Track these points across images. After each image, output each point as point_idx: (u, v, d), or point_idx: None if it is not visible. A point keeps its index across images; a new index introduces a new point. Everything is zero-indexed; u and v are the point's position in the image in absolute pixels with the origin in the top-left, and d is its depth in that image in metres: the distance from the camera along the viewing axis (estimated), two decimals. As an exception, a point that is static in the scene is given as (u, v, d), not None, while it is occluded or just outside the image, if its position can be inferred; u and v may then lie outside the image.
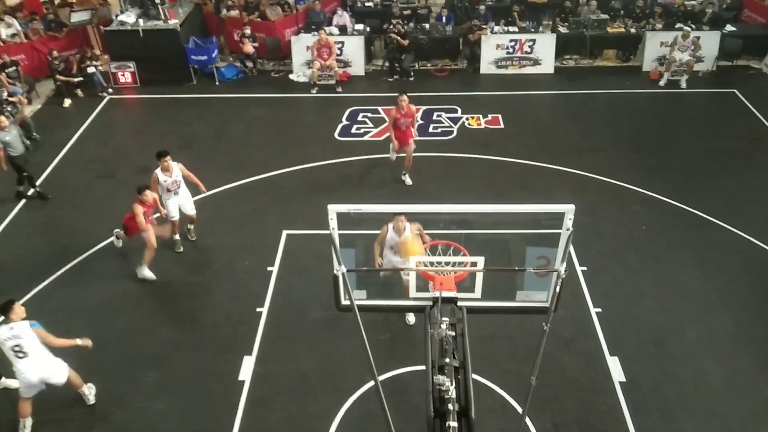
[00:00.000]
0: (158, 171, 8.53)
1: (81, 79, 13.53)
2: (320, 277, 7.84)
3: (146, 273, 8.52)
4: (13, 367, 6.27)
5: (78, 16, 14.72)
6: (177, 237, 9.15)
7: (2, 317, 6.27)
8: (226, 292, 8.38)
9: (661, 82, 13.69)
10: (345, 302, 5.27)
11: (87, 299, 8.30)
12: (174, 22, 13.91)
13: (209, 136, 12.03)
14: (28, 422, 6.48)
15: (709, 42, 13.99)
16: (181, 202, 8.89)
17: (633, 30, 14.63)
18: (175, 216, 8.90)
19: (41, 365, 6.29)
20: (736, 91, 13.33)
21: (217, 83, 14.12)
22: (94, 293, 8.37)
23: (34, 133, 11.86)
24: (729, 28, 14.36)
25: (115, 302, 8.25)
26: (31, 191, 10.26)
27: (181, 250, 9.07)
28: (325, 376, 7.18)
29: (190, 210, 9.02)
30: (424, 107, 12.80)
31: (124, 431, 6.64)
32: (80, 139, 12.11)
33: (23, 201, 10.20)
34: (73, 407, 6.83)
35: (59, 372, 6.47)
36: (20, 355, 6.17)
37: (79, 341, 6.57)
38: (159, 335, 7.78)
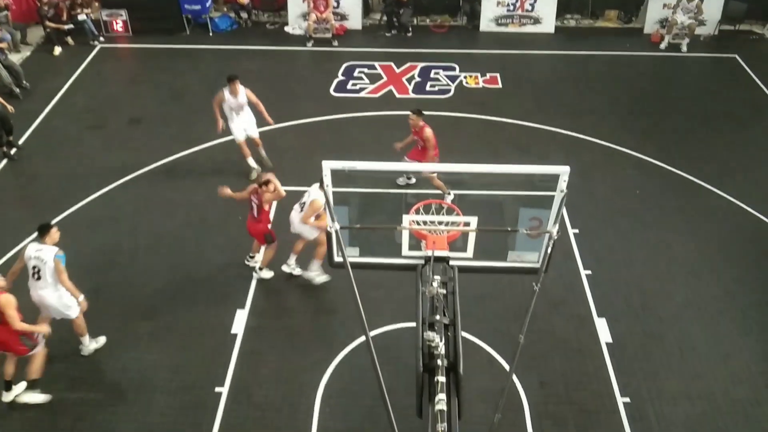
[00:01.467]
0: (225, 90, 8.97)
1: (71, 26, 13.20)
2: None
3: (265, 274, 7.95)
4: (28, 282, 6.46)
5: (68, -39, 14.26)
6: (252, 163, 9.49)
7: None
8: (219, 246, 8.39)
9: (662, 45, 13.51)
10: (338, 259, 5.29)
11: (79, 251, 8.26)
12: (167, -31, 13.52)
13: (201, 89, 11.80)
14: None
15: (713, 5, 13.74)
16: (246, 125, 9.31)
17: (636, -10, 14.35)
18: (240, 137, 9.32)
19: (50, 294, 6.46)
20: (737, 56, 13.17)
21: (210, 34, 13.82)
22: (87, 245, 8.36)
23: (24, 81, 11.64)
24: (733, -9, 14.10)
25: (108, 254, 8.26)
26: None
27: (255, 177, 9.24)
28: (316, 331, 7.27)
29: (254, 132, 9.45)
30: (422, 64, 12.61)
31: (117, 381, 6.73)
32: (71, 89, 11.89)
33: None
34: (67, 357, 6.90)
35: (72, 308, 6.60)
36: (36, 276, 6.42)
37: (81, 298, 6.62)
38: (152, 287, 7.81)
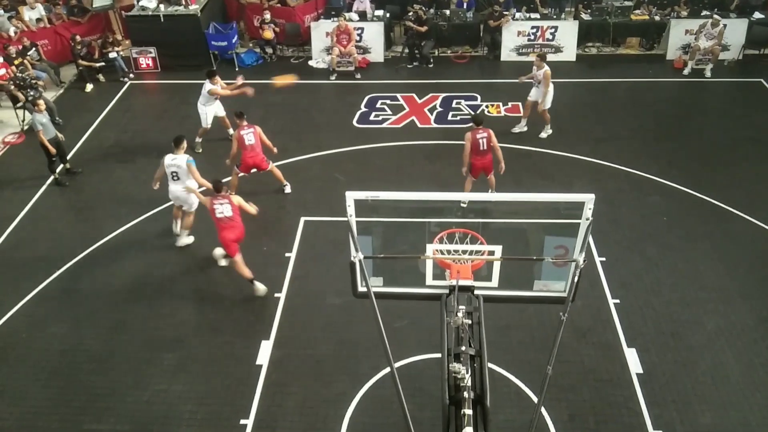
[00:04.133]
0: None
1: (103, 64, 13.66)
2: (337, 264, 7.90)
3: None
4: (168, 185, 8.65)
5: (100, 1, 14.81)
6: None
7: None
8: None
9: (685, 71, 13.44)
10: (362, 289, 5.29)
11: (107, 282, 8.43)
12: (194, 8, 13.95)
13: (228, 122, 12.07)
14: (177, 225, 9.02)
15: (736, 30, 13.67)
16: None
17: (657, 17, 14.36)
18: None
19: (181, 191, 8.67)
20: (762, 80, 13.04)
21: (236, 69, 14.14)
22: (115, 276, 8.50)
23: (57, 118, 12.01)
24: (757, 15, 14.02)
25: (136, 285, 8.38)
26: (59, 168, 10.52)
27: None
28: (340, 362, 7.23)
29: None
30: (444, 94, 12.72)
31: (142, 412, 6.76)
32: (101, 124, 12.24)
33: (46, 185, 10.36)
34: (91, 388, 6.97)
35: (192, 203, 8.79)
36: (174, 178, 8.61)
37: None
38: (178, 318, 7.89)
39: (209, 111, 10.98)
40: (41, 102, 10.10)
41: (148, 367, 7.23)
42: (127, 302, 8.09)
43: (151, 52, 14.05)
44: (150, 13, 13.82)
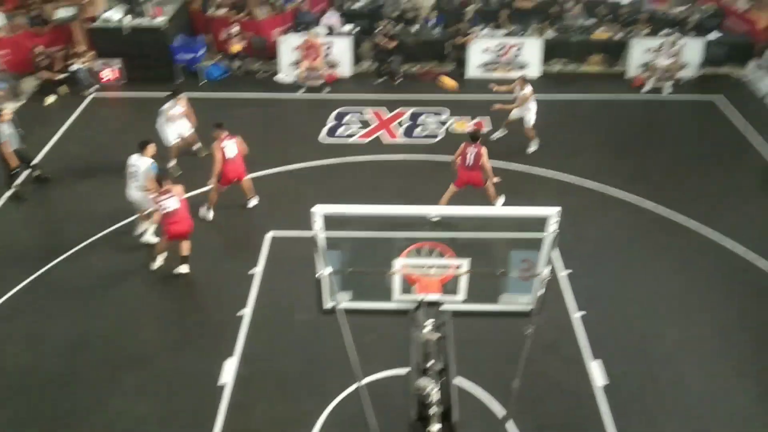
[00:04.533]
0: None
1: (65, 75, 13.37)
2: (304, 279, 7.77)
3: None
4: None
5: (62, 12, 14.55)
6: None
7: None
8: (208, 294, 8.33)
9: (645, 89, 13.81)
10: (329, 304, 5.25)
11: (67, 300, 8.20)
12: (160, 20, 13.82)
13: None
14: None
15: (694, 49, 14.14)
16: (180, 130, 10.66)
17: (618, 36, 14.76)
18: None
19: (135, 192, 8.74)
20: (718, 98, 13.47)
21: (202, 82, 14.02)
22: (74, 294, 8.28)
23: (18, 128, 11.68)
24: (713, 35, 14.52)
25: (97, 303, 8.17)
26: (24, 176, 10.35)
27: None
28: (307, 380, 7.15)
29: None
30: (412, 109, 12.81)
31: (104, 433, 6.56)
32: (63, 137, 11.98)
33: (4, 198, 10.06)
34: (50, 409, 6.74)
35: (148, 205, 8.69)
36: (132, 179, 8.70)
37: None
38: (140, 337, 7.70)
39: (170, 129, 10.61)
40: (7, 111, 9.79)
41: (109, 387, 7.03)
42: (87, 320, 7.88)
43: (116, 64, 13.84)
44: (115, 25, 13.62)
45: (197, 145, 11.04)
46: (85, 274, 8.60)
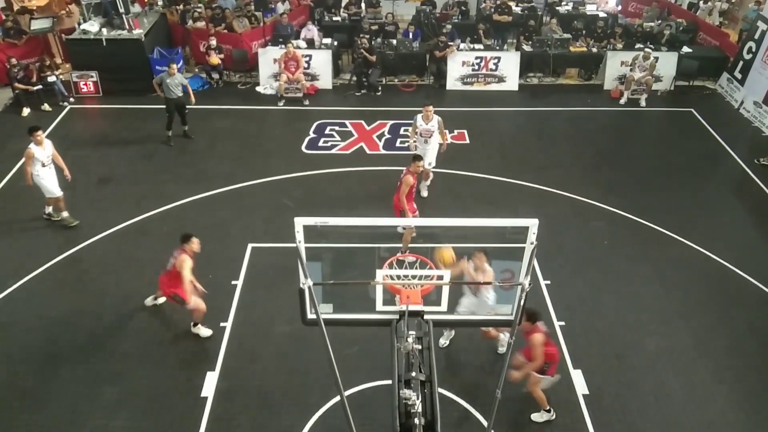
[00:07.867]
0: (32, 145, 9.07)
1: (40, 87, 13.19)
2: (285, 291, 7.79)
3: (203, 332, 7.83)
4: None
5: (38, 24, 14.39)
6: (65, 213, 9.63)
7: None
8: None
9: (622, 101, 14.07)
10: (311, 316, 5.22)
11: (42, 315, 8.03)
12: (138, 32, 13.74)
13: (171, 149, 11.85)
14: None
15: (667, 63, 14.46)
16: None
17: (594, 49, 15.03)
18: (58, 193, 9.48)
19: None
20: (692, 110, 13.78)
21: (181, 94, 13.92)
22: (52, 306, 8.12)
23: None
24: (686, 49, 14.86)
25: (73, 317, 8.01)
26: None
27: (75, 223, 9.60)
28: (289, 392, 7.08)
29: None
30: (392, 121, 12.88)
31: (81, 451, 6.42)
32: (39, 149, 11.75)
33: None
34: (25, 426, 6.59)
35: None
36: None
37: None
38: (118, 351, 7.57)
39: (46, 179, 9.30)
40: None
41: (87, 402, 6.88)
42: (63, 335, 7.71)
43: (92, 76, 13.70)
44: (92, 36, 13.49)
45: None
46: (61, 289, 8.45)
